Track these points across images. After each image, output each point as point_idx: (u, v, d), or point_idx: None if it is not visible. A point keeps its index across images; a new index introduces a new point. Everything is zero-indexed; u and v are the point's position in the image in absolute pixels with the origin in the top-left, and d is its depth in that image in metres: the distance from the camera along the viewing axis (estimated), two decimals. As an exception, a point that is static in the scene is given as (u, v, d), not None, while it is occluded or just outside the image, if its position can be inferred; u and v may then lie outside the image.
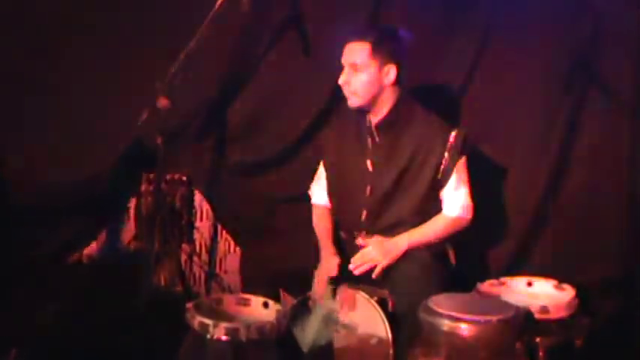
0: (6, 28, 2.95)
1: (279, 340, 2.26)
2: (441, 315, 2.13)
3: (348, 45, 2.63)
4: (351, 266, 2.57)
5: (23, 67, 3.02)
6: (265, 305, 2.42)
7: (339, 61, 2.66)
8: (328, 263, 2.63)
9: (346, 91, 2.64)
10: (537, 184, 3.14)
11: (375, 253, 2.57)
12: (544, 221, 3.16)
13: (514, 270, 2.92)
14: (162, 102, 2.73)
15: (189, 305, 2.31)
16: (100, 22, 3.01)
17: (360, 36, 2.60)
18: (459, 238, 2.73)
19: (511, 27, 3.09)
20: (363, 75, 2.59)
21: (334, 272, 2.58)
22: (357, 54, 2.59)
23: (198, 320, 2.22)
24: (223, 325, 2.19)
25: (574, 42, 3.04)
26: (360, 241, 2.69)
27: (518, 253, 3.14)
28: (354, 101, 2.63)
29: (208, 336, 2.19)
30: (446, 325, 2.11)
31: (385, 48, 2.58)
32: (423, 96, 2.82)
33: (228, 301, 2.46)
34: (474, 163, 2.73)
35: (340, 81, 2.63)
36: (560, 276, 2.65)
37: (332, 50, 2.94)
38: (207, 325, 2.20)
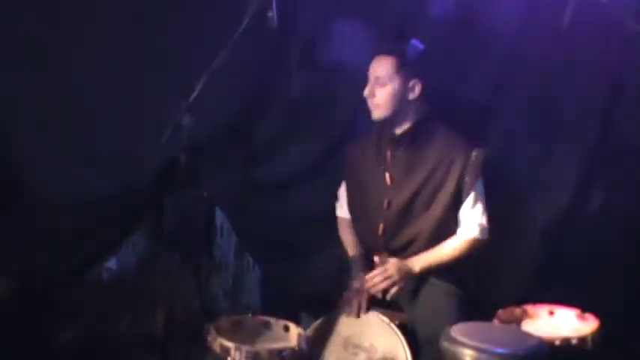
0: (30, 42, 2.97)
1: (300, 364, 2.26)
2: (464, 345, 2.10)
3: (375, 58, 2.65)
4: (368, 282, 2.53)
5: (47, 83, 3.03)
6: (286, 329, 2.41)
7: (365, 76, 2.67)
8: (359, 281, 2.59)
9: (370, 104, 2.65)
10: (559, 206, 3.12)
11: (392, 270, 2.53)
12: (564, 245, 3.13)
13: (534, 294, 2.90)
14: (186, 119, 2.74)
15: (209, 326, 2.31)
16: (125, 39, 3.02)
17: (387, 50, 2.62)
18: (479, 261, 2.70)
19: (536, 48, 3.09)
20: (387, 88, 2.60)
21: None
22: (382, 67, 2.61)
23: (219, 342, 2.22)
24: (245, 348, 2.20)
25: (600, 65, 3.03)
26: (376, 259, 2.67)
27: (538, 278, 3.11)
28: (377, 113, 2.64)
29: (229, 359, 2.19)
30: (469, 355, 2.08)
31: (411, 63, 2.60)
32: (445, 114, 2.80)
33: (249, 323, 2.46)
34: (494, 184, 2.72)
35: (365, 93, 2.64)
36: (581, 302, 2.62)
37: (358, 69, 2.95)
38: (228, 348, 2.20)
